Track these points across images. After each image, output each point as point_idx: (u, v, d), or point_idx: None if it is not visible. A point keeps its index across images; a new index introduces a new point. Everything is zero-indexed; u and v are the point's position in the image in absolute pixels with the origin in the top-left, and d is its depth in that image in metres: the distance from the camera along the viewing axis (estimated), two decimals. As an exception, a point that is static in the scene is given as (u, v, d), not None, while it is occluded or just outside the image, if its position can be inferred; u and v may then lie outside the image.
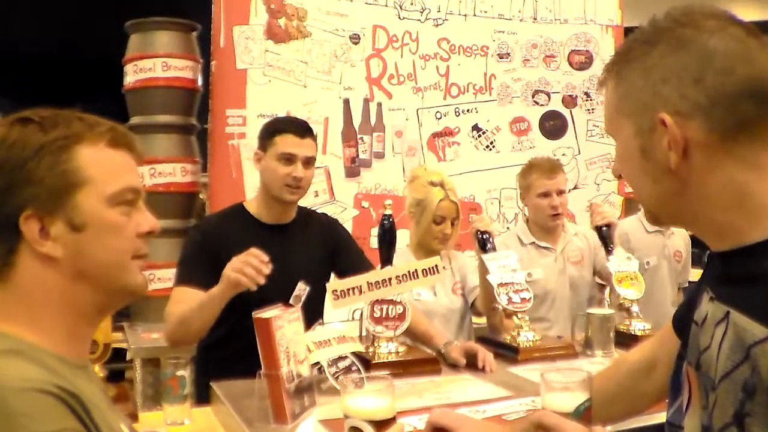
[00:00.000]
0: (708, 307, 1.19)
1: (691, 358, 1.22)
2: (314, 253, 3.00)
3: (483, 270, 3.12)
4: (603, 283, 4.03)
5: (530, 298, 3.03)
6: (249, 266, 2.38)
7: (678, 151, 1.13)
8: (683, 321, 1.32)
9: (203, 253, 2.83)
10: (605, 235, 3.30)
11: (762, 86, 1.12)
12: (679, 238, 4.16)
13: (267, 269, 2.40)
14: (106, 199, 1.27)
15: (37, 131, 1.24)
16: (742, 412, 1.06)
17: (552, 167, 3.63)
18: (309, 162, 2.89)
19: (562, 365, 2.76)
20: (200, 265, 2.79)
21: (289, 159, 2.84)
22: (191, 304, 2.63)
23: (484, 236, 3.14)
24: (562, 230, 3.73)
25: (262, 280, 2.35)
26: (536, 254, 3.63)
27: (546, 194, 3.57)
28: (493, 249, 3.13)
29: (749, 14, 7.66)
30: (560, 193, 3.60)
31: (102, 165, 1.28)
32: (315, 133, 2.99)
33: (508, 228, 4.79)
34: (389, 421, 1.43)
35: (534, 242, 3.66)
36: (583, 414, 1.32)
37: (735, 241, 1.14)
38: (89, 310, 1.30)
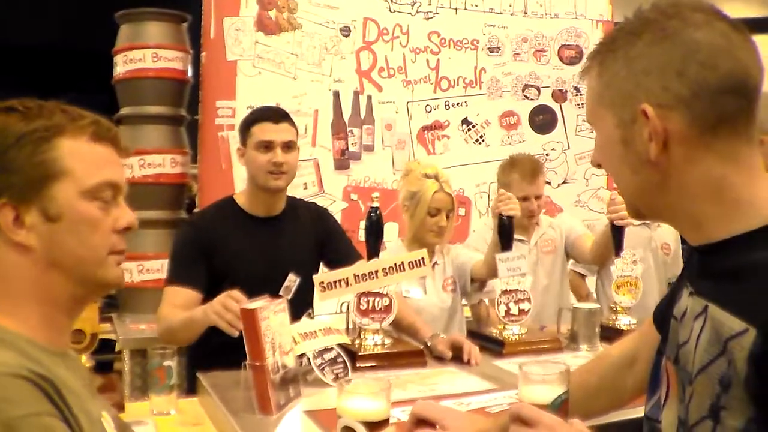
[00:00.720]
0: (687, 302, 1.20)
1: (670, 352, 1.24)
2: (304, 244, 3.02)
3: (496, 245, 3.11)
4: (583, 273, 4.07)
5: (528, 309, 3.03)
6: (229, 313, 2.35)
7: (658, 142, 1.14)
8: (663, 315, 1.33)
9: (195, 250, 2.84)
10: (618, 233, 3.27)
11: (743, 82, 1.13)
12: (667, 231, 4.18)
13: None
14: (83, 192, 1.28)
15: (19, 120, 1.25)
16: (718, 405, 1.07)
17: (533, 171, 3.65)
18: (289, 146, 2.89)
19: (546, 359, 2.78)
20: (191, 263, 2.81)
21: (267, 146, 2.85)
22: (178, 318, 2.67)
23: (507, 220, 3.08)
24: (537, 224, 3.76)
25: (235, 332, 2.32)
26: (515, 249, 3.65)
27: (525, 198, 3.59)
28: (511, 238, 3.10)
29: (740, 11, 7.66)
30: (538, 197, 3.63)
31: (82, 158, 1.28)
32: (299, 123, 2.99)
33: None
34: (382, 423, 1.43)
35: None
36: (560, 406, 1.34)
37: (713, 235, 1.15)
38: (64, 301, 1.30)
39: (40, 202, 1.25)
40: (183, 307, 2.71)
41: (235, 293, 2.38)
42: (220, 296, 2.42)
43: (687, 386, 1.15)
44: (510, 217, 3.08)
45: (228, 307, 2.35)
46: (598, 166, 1.30)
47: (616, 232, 3.26)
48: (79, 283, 1.30)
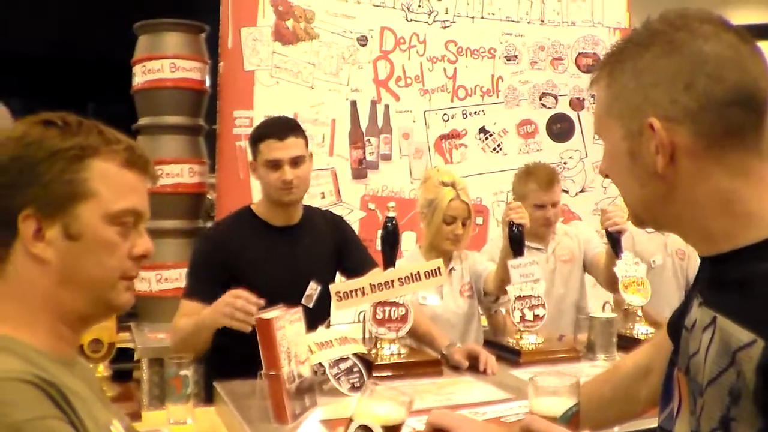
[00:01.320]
0: (697, 313, 1.19)
1: (681, 363, 1.23)
2: (321, 252, 3.02)
3: (504, 260, 3.12)
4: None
5: (544, 315, 3.03)
6: (239, 311, 2.38)
7: (665, 155, 1.14)
8: (676, 326, 1.33)
9: (211, 263, 2.85)
10: (614, 239, 3.28)
11: (751, 94, 1.12)
12: (679, 237, 4.16)
13: (256, 310, 2.36)
14: (106, 216, 1.30)
15: (56, 136, 1.27)
16: (728, 416, 1.07)
17: (549, 180, 3.64)
18: (297, 161, 2.86)
19: (563, 369, 2.77)
20: (207, 277, 2.82)
21: (275, 165, 2.83)
22: (190, 326, 2.69)
23: (516, 227, 3.10)
24: (553, 232, 3.75)
25: (248, 328, 2.35)
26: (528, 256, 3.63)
27: (541, 206, 3.58)
28: (522, 246, 3.11)
29: (748, 17, 7.60)
30: (554, 204, 3.63)
31: (110, 182, 1.31)
32: (316, 133, 2.97)
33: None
34: (397, 427, 1.44)
35: (526, 244, 3.67)
36: (570, 419, 1.33)
37: (722, 246, 1.15)
38: (72, 317, 1.32)
39: (63, 219, 1.27)
40: None
41: (243, 292, 2.41)
42: (224, 297, 2.45)
43: (698, 398, 1.14)
44: (520, 226, 3.08)
45: (236, 306, 2.38)
46: (606, 176, 1.30)
47: (613, 240, 3.28)
48: (88, 302, 1.32)
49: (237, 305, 2.38)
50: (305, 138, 2.95)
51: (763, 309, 1.04)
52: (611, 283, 3.42)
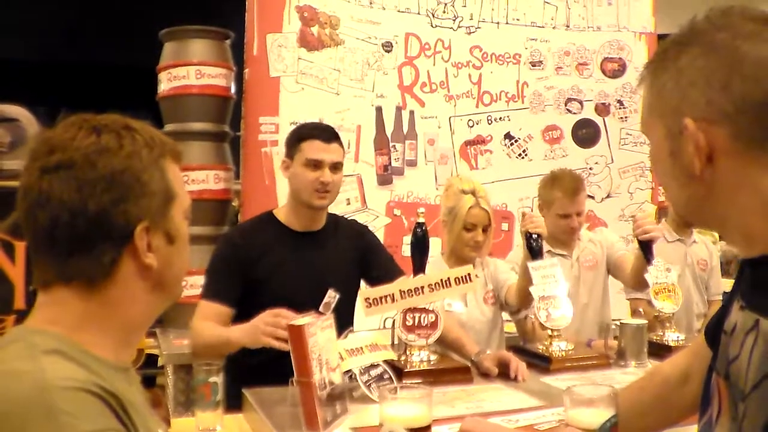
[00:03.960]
0: (738, 316, 1.17)
1: (720, 368, 1.21)
2: (344, 259, 3.02)
3: (525, 273, 3.09)
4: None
5: (570, 315, 3.02)
6: (280, 330, 2.37)
7: (702, 157, 1.12)
8: (715, 331, 1.31)
9: (231, 266, 2.86)
10: (646, 247, 3.25)
11: None
12: (702, 247, 4.17)
13: None
14: (185, 213, 1.33)
15: (144, 145, 1.27)
16: None
17: (575, 188, 3.63)
18: (336, 167, 2.90)
19: (595, 376, 2.75)
20: (227, 278, 2.83)
21: (316, 165, 2.86)
22: (213, 335, 2.71)
23: (534, 237, 3.08)
24: (578, 238, 3.74)
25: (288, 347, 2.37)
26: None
27: (566, 216, 3.58)
28: (541, 253, 3.10)
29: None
30: (579, 213, 3.62)
31: (179, 180, 1.33)
32: (342, 138, 3.00)
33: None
34: (425, 429, 1.43)
35: (550, 250, 3.65)
36: (609, 431, 1.31)
37: (763, 249, 1.12)
38: (150, 321, 1.34)
39: (164, 225, 1.28)
40: (215, 321, 2.77)
41: (280, 311, 2.41)
42: (264, 317, 2.45)
43: (739, 403, 1.12)
44: (538, 236, 3.07)
45: (278, 325, 2.37)
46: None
47: (645, 247, 3.24)
48: (167, 302, 1.35)
49: (279, 324, 2.37)
50: (344, 149, 3.00)
51: None
52: (637, 284, 3.39)
